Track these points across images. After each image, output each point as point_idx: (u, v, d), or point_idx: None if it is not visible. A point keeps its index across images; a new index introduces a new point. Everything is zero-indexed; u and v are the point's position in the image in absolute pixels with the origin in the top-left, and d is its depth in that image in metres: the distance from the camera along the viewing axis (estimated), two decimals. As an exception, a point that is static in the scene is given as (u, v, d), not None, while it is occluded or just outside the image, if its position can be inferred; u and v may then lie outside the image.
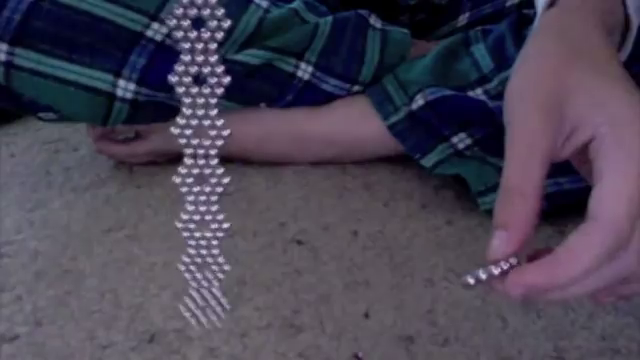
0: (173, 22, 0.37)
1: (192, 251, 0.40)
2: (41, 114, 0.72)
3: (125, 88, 0.70)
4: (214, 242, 0.40)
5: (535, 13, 0.63)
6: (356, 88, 0.77)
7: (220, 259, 0.40)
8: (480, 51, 0.76)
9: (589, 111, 0.38)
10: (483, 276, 0.38)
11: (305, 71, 0.75)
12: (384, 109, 0.75)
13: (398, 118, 0.74)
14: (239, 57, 0.72)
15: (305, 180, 0.76)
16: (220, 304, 0.43)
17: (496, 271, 0.38)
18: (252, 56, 0.73)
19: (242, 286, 0.59)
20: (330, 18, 0.76)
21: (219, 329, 0.54)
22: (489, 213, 0.56)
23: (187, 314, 0.43)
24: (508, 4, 0.81)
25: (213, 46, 0.36)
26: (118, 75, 0.70)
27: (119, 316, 0.56)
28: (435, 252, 0.64)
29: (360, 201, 0.73)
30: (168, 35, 0.70)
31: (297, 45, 0.74)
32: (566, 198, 0.66)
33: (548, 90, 0.39)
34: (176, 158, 0.78)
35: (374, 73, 0.76)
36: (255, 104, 0.77)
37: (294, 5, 0.75)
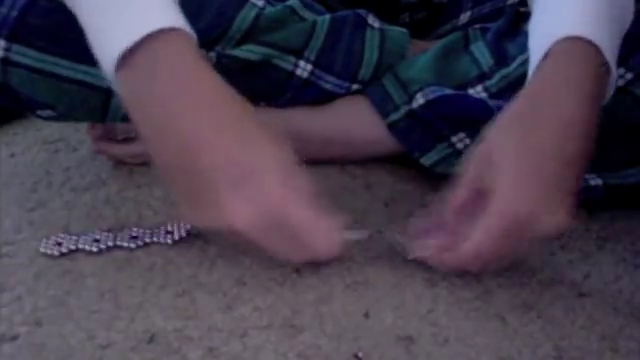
0: None
1: None
2: (40, 112, 0.72)
3: None
4: None
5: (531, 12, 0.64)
6: (355, 87, 0.77)
7: None
8: (479, 49, 0.76)
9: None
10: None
11: (304, 69, 0.75)
12: (384, 108, 0.75)
13: (398, 116, 0.74)
14: (237, 52, 0.72)
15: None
16: None
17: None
18: (250, 52, 0.72)
19: (242, 286, 0.59)
20: (328, 17, 0.76)
21: (219, 329, 0.54)
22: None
23: None
24: (509, 2, 0.81)
25: None
26: None
27: (119, 316, 0.56)
28: (435, 252, 0.64)
29: (360, 201, 0.73)
30: None
31: (296, 43, 0.74)
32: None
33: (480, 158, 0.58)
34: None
35: (373, 72, 0.76)
36: (254, 102, 0.76)
37: (290, 3, 0.75)
